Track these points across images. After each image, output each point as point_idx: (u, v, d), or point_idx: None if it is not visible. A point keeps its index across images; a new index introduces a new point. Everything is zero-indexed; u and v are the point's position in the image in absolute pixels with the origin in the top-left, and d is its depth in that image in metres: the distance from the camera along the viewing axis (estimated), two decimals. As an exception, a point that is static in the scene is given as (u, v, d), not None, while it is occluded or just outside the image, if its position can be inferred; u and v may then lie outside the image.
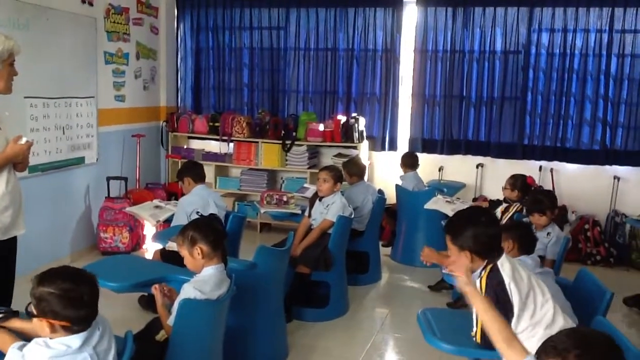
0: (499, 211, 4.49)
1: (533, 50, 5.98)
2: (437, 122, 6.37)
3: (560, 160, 6.00)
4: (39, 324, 1.91)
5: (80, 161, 5.36)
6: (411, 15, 6.35)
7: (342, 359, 3.64)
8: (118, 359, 2.05)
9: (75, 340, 1.91)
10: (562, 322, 2.25)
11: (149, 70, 6.52)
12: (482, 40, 6.11)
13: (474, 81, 6.21)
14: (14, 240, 3.10)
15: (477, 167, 6.21)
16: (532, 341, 2.13)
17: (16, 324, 2.15)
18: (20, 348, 1.93)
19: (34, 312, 1.91)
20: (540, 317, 2.25)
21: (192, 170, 4.25)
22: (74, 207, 5.39)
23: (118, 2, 5.83)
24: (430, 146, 6.37)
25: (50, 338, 1.91)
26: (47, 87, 4.84)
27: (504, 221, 4.26)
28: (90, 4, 5.41)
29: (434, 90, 6.33)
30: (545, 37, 5.95)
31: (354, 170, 5.06)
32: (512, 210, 4.41)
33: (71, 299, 1.88)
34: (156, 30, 6.61)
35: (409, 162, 5.75)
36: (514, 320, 2.22)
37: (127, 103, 6.12)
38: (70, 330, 1.91)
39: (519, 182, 4.56)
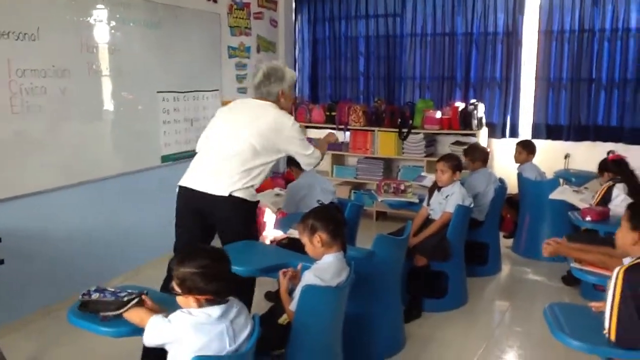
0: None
1: (673, 26, 5.49)
2: (562, 107, 6.04)
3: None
4: (184, 301, 2.10)
5: (205, 151, 5.66)
6: (534, -5, 6.05)
7: (461, 351, 3.58)
8: (248, 339, 2.18)
9: (215, 310, 2.08)
10: None
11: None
12: (615, 17, 5.69)
13: (604, 62, 5.81)
14: None
15: (607, 154, 5.79)
16: None
17: (149, 303, 2.30)
18: (163, 317, 2.10)
19: (178, 290, 2.09)
20: None
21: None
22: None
23: (240, -2, 6.08)
24: (555, 132, 6.06)
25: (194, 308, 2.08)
26: (177, 82, 5.15)
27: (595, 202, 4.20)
28: (215, 1, 5.66)
29: (560, 73, 6.01)
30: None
31: (477, 155, 4.93)
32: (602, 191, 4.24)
33: (211, 274, 2.07)
34: (275, 23, 6.79)
35: (529, 149, 5.48)
36: None
37: (249, 95, 6.36)
38: (214, 302, 2.09)
39: (601, 165, 4.55)
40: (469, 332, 3.83)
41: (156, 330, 2.09)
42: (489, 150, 6.06)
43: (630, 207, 2.42)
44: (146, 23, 4.76)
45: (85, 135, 4.25)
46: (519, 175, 5.40)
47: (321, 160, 3.53)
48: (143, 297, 2.28)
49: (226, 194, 3.21)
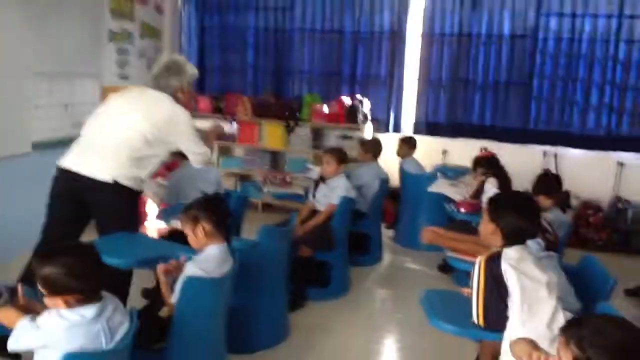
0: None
1: (541, 35, 5.94)
2: (441, 106, 6.35)
3: (565, 145, 5.98)
4: (52, 302, 1.94)
5: (83, 139, 5.35)
6: (418, -3, 6.29)
7: (345, 338, 3.66)
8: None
9: (89, 310, 1.95)
10: (563, 321, 2.23)
11: (154, 50, 6.48)
12: (490, 23, 6.06)
13: (480, 65, 6.17)
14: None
15: (480, 150, 6.18)
16: (532, 337, 2.14)
17: (21, 301, 2.15)
18: (31, 321, 1.94)
19: (44, 292, 1.94)
20: (540, 315, 2.22)
21: None
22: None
23: (123, -20, 5.79)
24: (434, 129, 6.36)
25: (64, 310, 1.94)
26: (52, 63, 4.81)
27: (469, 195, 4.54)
28: (96, -19, 5.37)
29: (440, 73, 6.30)
30: (553, 22, 5.90)
31: (373, 148, 5.06)
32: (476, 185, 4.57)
33: (77, 272, 1.92)
34: (161, 9, 6.55)
35: (411, 145, 5.72)
36: (514, 310, 2.21)
37: (131, 81, 6.09)
38: (83, 301, 1.95)
39: (475, 161, 4.84)
40: (352, 320, 3.93)
41: (23, 336, 1.93)
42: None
43: (490, 200, 2.58)
44: (18, -4, 4.41)
45: None
46: (401, 169, 5.62)
47: (210, 156, 3.50)
48: (18, 292, 2.11)
49: (111, 180, 3.08)
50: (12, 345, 1.94)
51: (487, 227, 2.43)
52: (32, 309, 2.09)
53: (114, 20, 5.71)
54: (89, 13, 5.30)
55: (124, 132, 3.14)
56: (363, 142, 5.18)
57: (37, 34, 4.55)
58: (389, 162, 5.76)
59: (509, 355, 2.17)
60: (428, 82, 6.35)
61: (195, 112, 6.58)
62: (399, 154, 5.70)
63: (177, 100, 3.33)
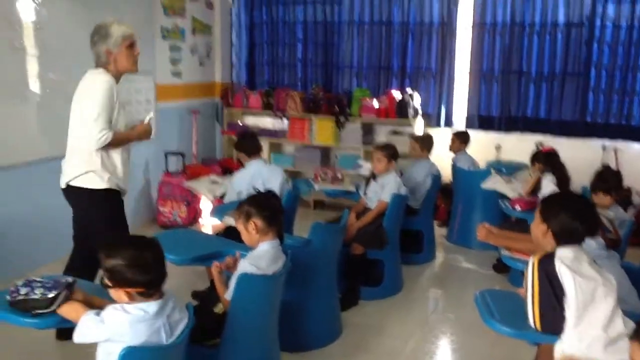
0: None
1: (598, 23, 5.70)
2: (494, 99, 6.20)
3: (625, 139, 5.74)
4: (116, 294, 2.00)
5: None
6: (469, -13, 6.16)
7: (397, 337, 3.63)
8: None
9: (151, 306, 1.99)
10: (621, 325, 2.15)
11: (205, 46, 6.57)
12: (544, 12, 5.87)
13: (534, 56, 5.99)
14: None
15: (536, 145, 6.01)
16: (586, 340, 2.07)
17: (78, 294, 2.21)
18: (97, 314, 2.00)
19: (109, 284, 1.99)
20: (596, 316, 2.15)
21: (245, 144, 4.17)
22: (134, 182, 5.52)
23: (175, -22, 5.89)
24: (487, 123, 6.22)
25: (128, 304, 1.98)
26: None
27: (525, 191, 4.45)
28: (147, -21, 5.46)
29: (492, 65, 6.15)
30: (611, 8, 5.64)
31: (425, 144, 5.00)
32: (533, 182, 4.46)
33: (139, 266, 1.97)
34: (211, 5, 6.63)
35: (463, 139, 5.62)
36: (570, 311, 2.14)
37: (184, 79, 6.20)
38: (145, 295, 1.99)
39: (533, 156, 4.71)
40: (405, 319, 3.89)
41: (89, 329, 1.98)
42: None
43: (542, 201, 2.50)
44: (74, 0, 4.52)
45: (7, 117, 4.01)
46: (453, 165, 5.52)
47: (105, 142, 3.05)
48: (75, 288, 2.18)
49: (64, 186, 3.14)
50: (78, 338, 2.00)
51: (538, 228, 2.38)
52: (91, 303, 2.16)
53: (166, 16, 5.82)
54: (141, 10, 5.41)
55: (71, 129, 3.13)
56: (414, 138, 5.11)
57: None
58: (441, 157, 5.69)
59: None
60: (480, 74, 6.21)
61: (246, 109, 6.68)
62: (451, 149, 5.61)
63: (108, 66, 3.13)
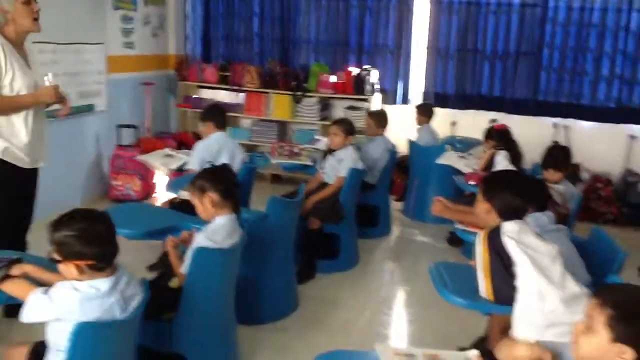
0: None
1: (552, 4, 5.82)
2: (450, 76, 6.27)
3: (575, 118, 5.91)
4: (65, 268, 1.94)
5: (90, 108, 5.32)
6: (428, -36, 6.16)
7: (352, 310, 3.67)
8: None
9: (103, 283, 1.94)
10: (574, 287, 2.22)
11: (158, 17, 6.39)
12: (500, -9, 5.95)
13: (489, 35, 6.07)
14: (36, 172, 3.17)
15: (490, 122, 6.12)
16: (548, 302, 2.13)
17: (27, 268, 2.15)
18: (44, 293, 1.93)
19: (58, 257, 1.93)
20: (551, 279, 2.21)
21: (217, 115, 4.12)
22: (85, 155, 5.39)
23: (127, -55, 5.68)
24: (443, 100, 6.28)
25: (78, 281, 1.93)
26: (56, 32, 4.74)
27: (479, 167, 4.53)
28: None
29: (448, 43, 6.20)
30: (564, -10, 5.78)
31: (383, 122, 5.00)
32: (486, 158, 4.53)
33: (90, 237, 1.91)
34: (166, -25, 6.44)
35: (427, 112, 5.68)
36: (521, 281, 2.20)
37: (136, 50, 6.03)
38: (96, 268, 1.94)
39: (487, 133, 4.75)
40: (360, 292, 3.94)
41: (36, 308, 1.92)
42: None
43: (483, 180, 2.57)
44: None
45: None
46: (410, 141, 5.58)
47: (10, 112, 2.95)
48: (21, 264, 2.11)
49: None
50: (26, 317, 1.94)
51: (482, 206, 2.46)
52: (44, 277, 2.10)
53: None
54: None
55: None
56: (369, 115, 5.13)
57: (40, 3, 4.46)
58: (397, 133, 5.72)
59: (518, 329, 2.17)
60: (436, 52, 6.26)
61: (201, 82, 6.55)
62: (417, 121, 5.69)
63: (6, 27, 2.96)
